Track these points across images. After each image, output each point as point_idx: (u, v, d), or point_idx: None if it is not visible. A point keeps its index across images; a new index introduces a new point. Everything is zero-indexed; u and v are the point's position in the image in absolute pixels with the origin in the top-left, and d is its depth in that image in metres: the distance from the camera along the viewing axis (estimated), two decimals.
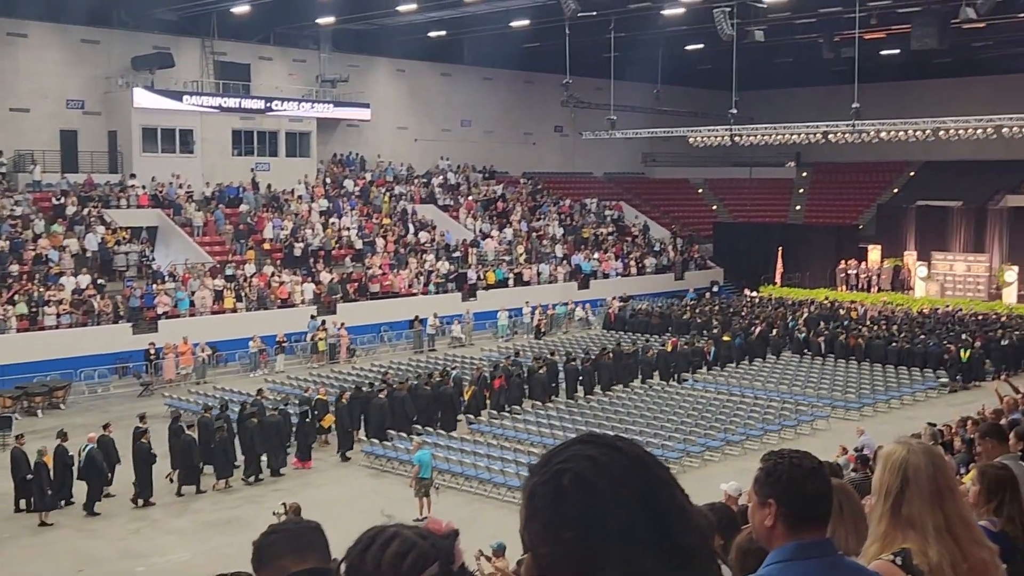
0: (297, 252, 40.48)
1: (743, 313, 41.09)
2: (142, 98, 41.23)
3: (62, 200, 37.86)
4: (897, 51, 49.02)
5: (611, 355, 31.36)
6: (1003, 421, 13.61)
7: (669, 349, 33.01)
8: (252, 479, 21.90)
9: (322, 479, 22.26)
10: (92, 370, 31.35)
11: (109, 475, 20.48)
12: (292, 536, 2.53)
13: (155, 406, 27.14)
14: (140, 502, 20.29)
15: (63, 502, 19.88)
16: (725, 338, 35.06)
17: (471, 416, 26.48)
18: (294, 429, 23.34)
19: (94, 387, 31.10)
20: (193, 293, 35.32)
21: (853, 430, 22.20)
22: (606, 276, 47.92)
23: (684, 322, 39.61)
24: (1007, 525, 4.61)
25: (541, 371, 29.00)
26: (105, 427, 21.41)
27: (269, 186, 44.31)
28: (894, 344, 33.54)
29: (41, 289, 32.70)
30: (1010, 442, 7.56)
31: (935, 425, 17.42)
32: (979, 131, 42.08)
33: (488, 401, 27.31)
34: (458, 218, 48.64)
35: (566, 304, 43.57)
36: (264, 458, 22.29)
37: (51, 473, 19.57)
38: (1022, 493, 4.84)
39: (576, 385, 29.63)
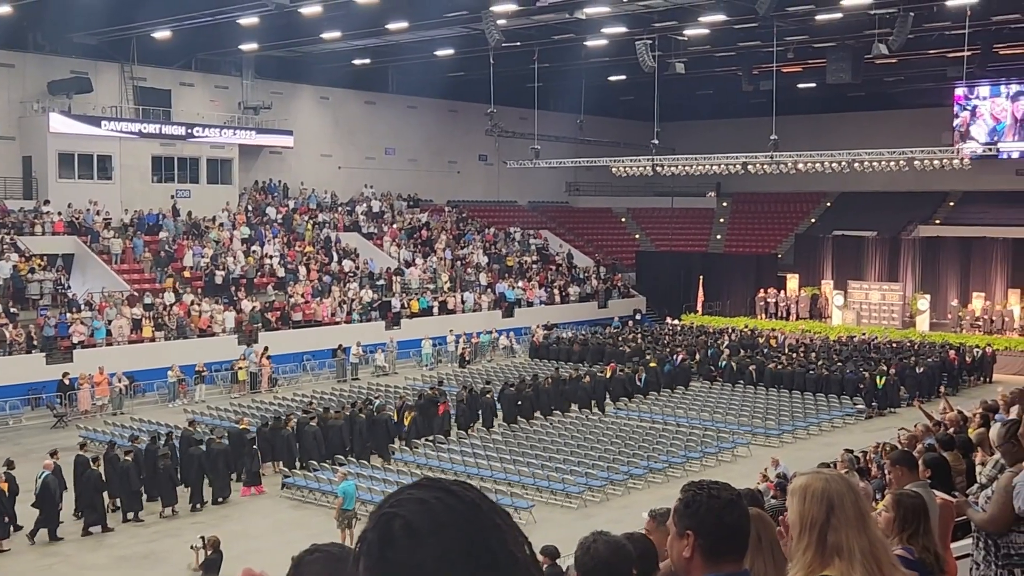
0: (218, 280, 39.92)
1: (666, 341, 41.52)
2: (58, 123, 40.40)
3: None
4: (813, 84, 50.31)
5: (550, 380, 31.65)
6: (918, 447, 13.95)
7: (608, 375, 33.24)
8: (198, 506, 21.65)
9: (241, 511, 21.85)
10: (3, 401, 30.47)
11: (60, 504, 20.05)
12: (333, 559, 2.53)
13: (69, 438, 26.44)
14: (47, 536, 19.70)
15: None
16: (652, 364, 35.43)
17: (409, 443, 26.42)
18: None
19: (5, 419, 30.22)
20: (110, 322, 34.57)
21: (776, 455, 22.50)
22: (530, 304, 48.11)
23: (607, 350, 39.81)
24: (922, 553, 4.72)
25: (488, 396, 29.40)
26: (53, 454, 20.89)
27: (190, 213, 43.67)
28: (812, 371, 34.17)
29: None
30: (919, 469, 7.75)
31: (852, 451, 17.75)
32: (892, 163, 43.33)
33: (413, 428, 27.18)
34: (382, 246, 48.45)
35: (490, 332, 43.61)
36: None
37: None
38: (931, 520, 4.96)
39: (515, 411, 29.69)
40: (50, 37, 42.11)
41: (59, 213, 39.66)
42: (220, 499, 22.24)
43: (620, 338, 42.38)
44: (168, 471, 21.39)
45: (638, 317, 50.40)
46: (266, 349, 36.30)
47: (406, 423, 26.93)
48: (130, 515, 20.82)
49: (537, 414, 30.00)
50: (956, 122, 52.42)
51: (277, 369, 36.53)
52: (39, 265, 36.19)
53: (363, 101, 54.28)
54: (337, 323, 40.25)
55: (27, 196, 40.87)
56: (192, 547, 15.22)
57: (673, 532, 2.87)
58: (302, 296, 40.65)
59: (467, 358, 40.96)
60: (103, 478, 20.58)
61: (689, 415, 30.22)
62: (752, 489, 12.75)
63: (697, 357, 37.29)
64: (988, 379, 37.09)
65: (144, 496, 21.27)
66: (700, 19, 39.18)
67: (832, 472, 3.14)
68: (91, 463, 20.59)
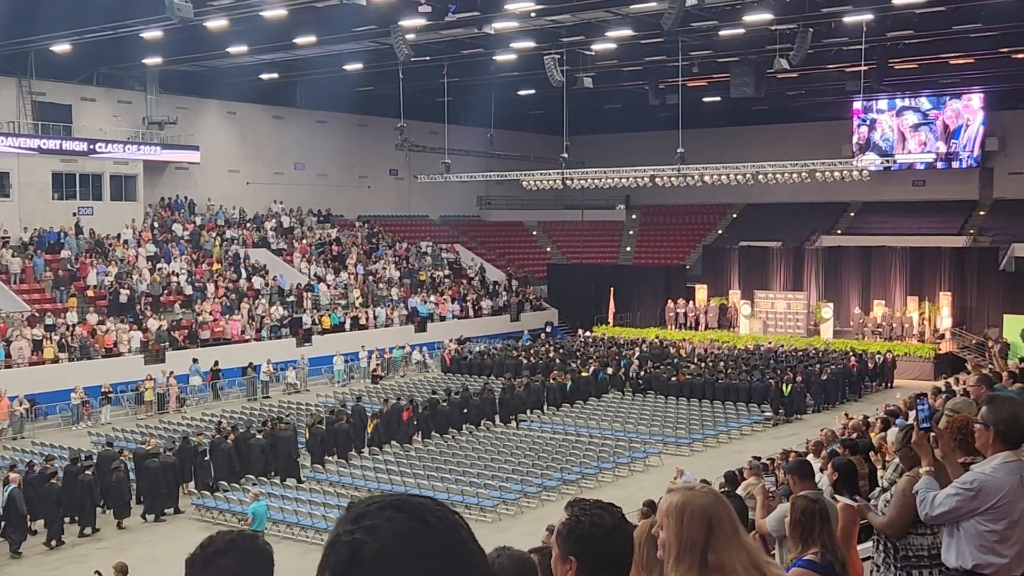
0: (123, 299, 39.03)
1: (578, 353, 41.81)
2: None
3: None
4: (718, 99, 51.29)
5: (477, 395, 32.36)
6: (823, 452, 14.30)
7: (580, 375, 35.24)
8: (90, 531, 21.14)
9: (149, 535, 21.38)
10: None
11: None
12: (245, 553, 2.44)
13: None
14: None
15: None
16: (583, 373, 36.02)
17: (375, 448, 27.18)
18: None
19: None
20: (9, 343, 33.53)
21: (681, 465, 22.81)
22: (443, 319, 48.04)
23: (519, 363, 39.93)
24: (825, 553, 4.86)
25: (444, 404, 30.39)
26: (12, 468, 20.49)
27: (93, 231, 42.63)
28: (721, 380, 34.77)
29: None
30: (827, 472, 7.96)
31: (760, 458, 18.08)
32: (795, 175, 44.39)
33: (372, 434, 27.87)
34: (292, 262, 47.92)
35: (403, 347, 43.42)
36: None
37: None
38: (831, 523, 5.11)
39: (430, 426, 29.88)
40: None
41: None
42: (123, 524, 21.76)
43: (532, 351, 42.55)
44: (121, 484, 21.54)
45: (549, 330, 50.63)
46: (215, 364, 36.83)
47: (369, 430, 27.73)
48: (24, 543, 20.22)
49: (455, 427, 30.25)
50: (855, 135, 54.12)
51: (184, 389, 35.83)
52: None
53: (271, 116, 53.69)
54: (247, 341, 39.66)
55: None
56: (96, 572, 14.83)
57: (556, 554, 2.86)
58: (210, 314, 39.98)
59: (380, 374, 40.72)
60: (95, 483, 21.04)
61: (601, 426, 30.49)
62: (653, 500, 12.92)
63: (609, 369, 37.66)
64: (889, 384, 38.17)
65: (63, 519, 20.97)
66: (607, 34, 39.67)
67: (704, 487, 3.12)
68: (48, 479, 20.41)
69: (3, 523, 19.40)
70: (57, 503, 20.82)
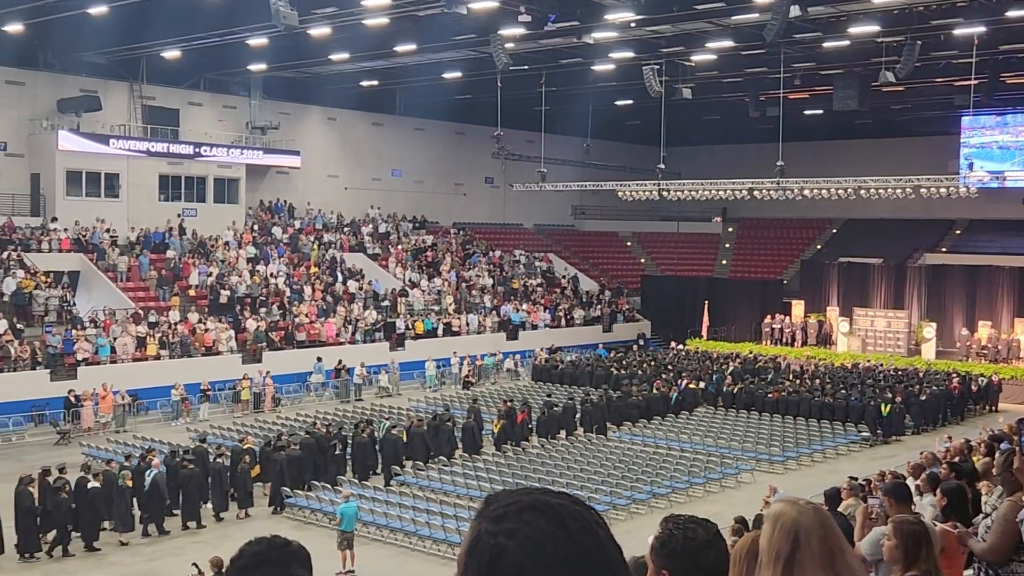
0: (223, 299, 39.94)
1: (670, 366, 41.39)
2: (67, 141, 40.57)
3: None
4: (820, 111, 50.38)
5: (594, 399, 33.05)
6: (923, 475, 13.86)
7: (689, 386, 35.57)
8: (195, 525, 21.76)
9: (244, 532, 21.77)
10: (7, 417, 30.46)
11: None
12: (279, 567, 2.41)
13: (72, 455, 26.40)
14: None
15: None
16: (692, 385, 36.01)
17: (498, 447, 28.46)
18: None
19: (8, 435, 30.19)
20: (115, 339, 34.57)
21: (774, 483, 22.38)
22: (535, 327, 48.03)
23: (609, 374, 39.63)
24: None
25: (556, 408, 31.32)
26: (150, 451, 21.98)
27: (195, 232, 43.76)
28: (817, 398, 34.06)
29: None
30: (936, 497, 7.69)
31: (856, 479, 17.64)
32: (898, 191, 43.30)
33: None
34: (387, 267, 48.49)
35: (494, 355, 43.53)
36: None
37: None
38: (935, 548, 4.91)
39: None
40: (60, 56, 42.35)
41: (66, 230, 39.76)
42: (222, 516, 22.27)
43: (625, 362, 42.24)
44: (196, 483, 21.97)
45: (641, 342, 50.21)
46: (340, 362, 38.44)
47: (495, 430, 29.05)
48: (124, 536, 20.77)
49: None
50: (963, 151, 52.52)
51: (280, 389, 36.49)
52: (45, 282, 36.24)
53: (370, 122, 54.48)
54: (341, 343, 40.21)
55: (35, 213, 40.99)
56: (193, 564, 15.17)
57: (651, 569, 2.86)
58: (307, 316, 40.66)
59: (471, 380, 40.89)
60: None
61: (693, 440, 30.11)
62: (761, 513, 12.66)
63: (702, 383, 37.19)
64: (994, 408, 36.95)
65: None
66: (708, 45, 39.31)
67: (806, 503, 3.05)
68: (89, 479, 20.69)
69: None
70: (160, 497, 21.51)
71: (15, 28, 36.31)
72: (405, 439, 26.86)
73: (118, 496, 20.73)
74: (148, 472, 21.19)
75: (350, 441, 26.05)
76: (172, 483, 21.99)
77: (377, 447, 26.21)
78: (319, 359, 37.93)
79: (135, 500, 21.25)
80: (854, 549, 7.84)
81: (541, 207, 60.39)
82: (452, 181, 58.02)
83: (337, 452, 25.18)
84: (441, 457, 26.72)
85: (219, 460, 23.10)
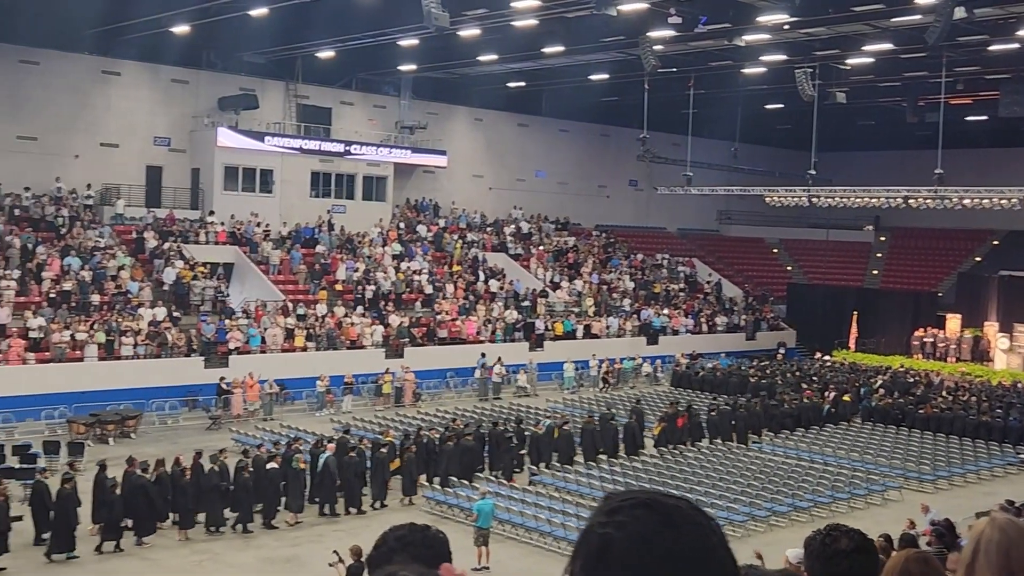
0: (368, 294, 40.77)
1: (815, 377, 40.28)
2: (225, 137, 42.16)
3: (143, 234, 38.78)
4: (984, 117, 48.28)
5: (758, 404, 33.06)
6: None
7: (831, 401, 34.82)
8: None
9: (383, 523, 22.08)
10: (163, 401, 31.80)
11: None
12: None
13: (223, 440, 27.36)
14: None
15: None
16: (845, 398, 35.16)
17: (659, 449, 28.56)
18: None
19: (164, 418, 31.50)
20: (265, 330, 35.71)
21: (926, 502, 21.49)
22: (675, 332, 47.42)
23: (752, 383, 38.81)
24: None
25: (713, 413, 31.35)
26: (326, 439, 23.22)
27: (343, 228, 44.83)
28: (972, 416, 32.56)
29: (119, 319, 33.35)
30: None
31: (1013, 503, 16.77)
32: None
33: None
34: (528, 267, 48.67)
35: (633, 359, 43.16)
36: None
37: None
38: None
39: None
40: (222, 56, 44.10)
41: (222, 223, 41.30)
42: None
43: (768, 371, 41.31)
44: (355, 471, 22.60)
45: (783, 351, 48.82)
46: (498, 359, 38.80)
47: (656, 433, 29.35)
48: (274, 520, 21.43)
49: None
50: None
51: (421, 385, 37.03)
52: (202, 273, 37.73)
53: (516, 123, 54.83)
54: (481, 342, 40.53)
55: (194, 206, 42.74)
56: (334, 551, 15.50)
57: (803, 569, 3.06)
58: (448, 313, 41.15)
59: (610, 382, 40.65)
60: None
61: (838, 454, 29.17)
62: (908, 532, 12.18)
63: (848, 396, 36.05)
64: None
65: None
66: (864, 48, 38.14)
67: (1003, 516, 2.91)
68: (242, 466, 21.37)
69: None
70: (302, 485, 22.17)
71: (182, 29, 37.96)
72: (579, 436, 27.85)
73: (292, 478, 21.69)
74: (322, 455, 22.19)
75: (527, 435, 26.86)
76: (339, 470, 22.63)
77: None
78: (483, 355, 38.54)
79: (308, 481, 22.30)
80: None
81: (685, 211, 59.68)
82: (596, 183, 57.88)
83: (513, 444, 25.68)
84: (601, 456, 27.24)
85: (382, 451, 23.67)
